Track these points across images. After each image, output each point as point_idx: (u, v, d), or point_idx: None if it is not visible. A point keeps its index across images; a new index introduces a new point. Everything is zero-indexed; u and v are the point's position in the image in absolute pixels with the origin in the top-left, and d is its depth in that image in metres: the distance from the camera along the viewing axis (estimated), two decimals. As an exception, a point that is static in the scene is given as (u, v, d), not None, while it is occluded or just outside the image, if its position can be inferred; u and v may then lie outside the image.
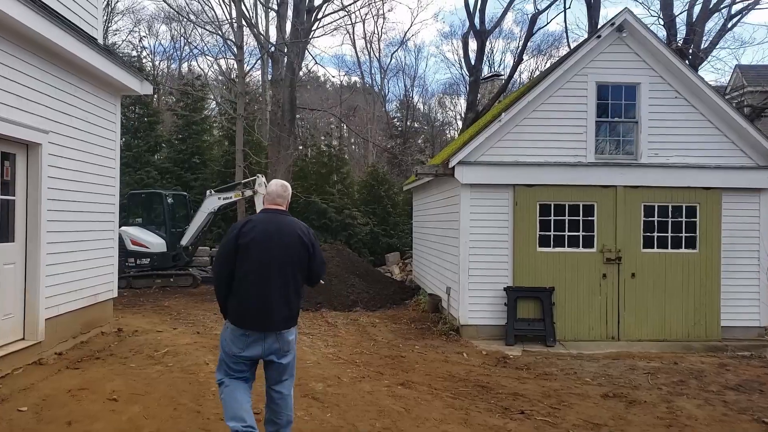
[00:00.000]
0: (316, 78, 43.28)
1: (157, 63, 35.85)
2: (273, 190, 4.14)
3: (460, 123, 40.12)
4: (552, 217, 9.73)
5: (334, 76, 52.74)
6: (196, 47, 28.80)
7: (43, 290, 6.70)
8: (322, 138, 26.74)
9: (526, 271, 9.67)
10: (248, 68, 22.69)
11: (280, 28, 18.22)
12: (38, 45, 6.40)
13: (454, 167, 9.57)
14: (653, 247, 9.73)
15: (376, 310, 12.54)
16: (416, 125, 39.15)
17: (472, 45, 23.10)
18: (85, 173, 7.71)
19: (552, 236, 9.73)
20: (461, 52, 37.30)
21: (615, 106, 9.77)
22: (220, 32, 21.42)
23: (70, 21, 7.00)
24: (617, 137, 9.87)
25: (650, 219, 9.75)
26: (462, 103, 40.33)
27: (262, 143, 21.84)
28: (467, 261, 9.72)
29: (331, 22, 21.97)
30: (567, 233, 9.74)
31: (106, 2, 30.29)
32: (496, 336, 9.59)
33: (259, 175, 14.52)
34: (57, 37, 6.46)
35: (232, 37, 20.76)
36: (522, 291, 9.59)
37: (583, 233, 9.73)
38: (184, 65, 34.58)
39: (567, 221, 9.75)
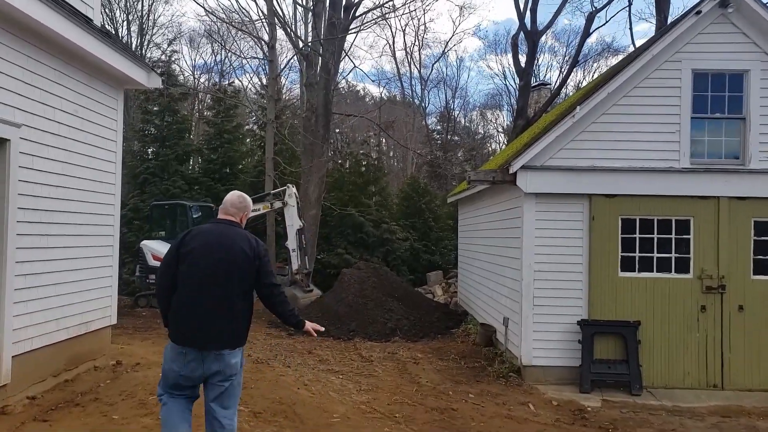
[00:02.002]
0: (356, 92, 42.46)
1: (197, 76, 35.46)
2: (228, 200, 3.93)
3: (501, 137, 38.74)
4: (637, 235, 7.98)
5: (373, 80, 52.04)
6: (237, 55, 28.17)
7: (9, 321, 5.42)
8: (360, 149, 25.49)
9: (605, 301, 7.92)
10: (280, 70, 21.54)
11: (316, 26, 16.94)
12: (5, 17, 5.15)
13: (516, 173, 7.93)
14: (766, 274, 7.86)
15: (417, 341, 10.86)
16: (456, 138, 37.74)
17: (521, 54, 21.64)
18: (73, 177, 6.48)
19: (637, 258, 7.98)
20: (506, 61, 35.78)
21: (716, 99, 7.96)
22: (248, 29, 20.33)
23: (52, -8, 5.70)
24: (719, 137, 8.05)
25: (763, 238, 7.88)
26: (504, 116, 39.01)
27: (296, 152, 20.66)
28: (531, 287, 8.03)
29: (368, 22, 20.54)
30: (656, 255, 7.97)
31: (147, 14, 29.91)
32: (566, 380, 7.87)
33: (289, 186, 13.22)
34: (31, 9, 5.20)
35: (265, 37, 19.68)
36: (600, 325, 7.83)
37: (677, 255, 7.94)
38: (225, 81, 34.06)
39: (656, 240, 7.98)
